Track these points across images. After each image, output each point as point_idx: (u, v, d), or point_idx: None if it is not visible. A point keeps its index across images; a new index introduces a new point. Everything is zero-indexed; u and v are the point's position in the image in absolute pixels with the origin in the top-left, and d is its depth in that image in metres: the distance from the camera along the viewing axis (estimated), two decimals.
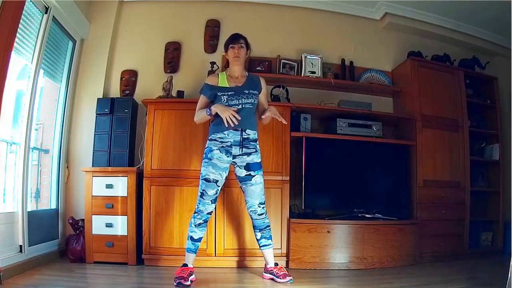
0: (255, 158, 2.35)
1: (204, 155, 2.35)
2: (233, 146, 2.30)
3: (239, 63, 2.39)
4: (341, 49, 3.62)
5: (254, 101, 2.35)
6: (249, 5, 3.55)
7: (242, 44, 2.39)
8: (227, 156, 2.31)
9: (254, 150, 2.35)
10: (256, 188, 2.34)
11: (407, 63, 3.48)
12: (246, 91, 2.34)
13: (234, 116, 2.21)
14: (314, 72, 3.33)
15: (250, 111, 2.34)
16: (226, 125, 2.23)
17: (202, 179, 2.30)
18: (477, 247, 3.42)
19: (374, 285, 2.32)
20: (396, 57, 3.69)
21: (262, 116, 2.37)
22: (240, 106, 2.30)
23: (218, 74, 2.47)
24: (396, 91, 3.57)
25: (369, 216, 2.98)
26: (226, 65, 2.61)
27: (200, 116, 2.37)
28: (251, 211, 2.37)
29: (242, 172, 2.34)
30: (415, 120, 3.28)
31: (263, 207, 2.37)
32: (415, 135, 3.26)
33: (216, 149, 2.30)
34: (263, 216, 2.38)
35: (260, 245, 2.41)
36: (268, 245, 2.40)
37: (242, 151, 2.30)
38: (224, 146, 2.30)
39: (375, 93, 3.56)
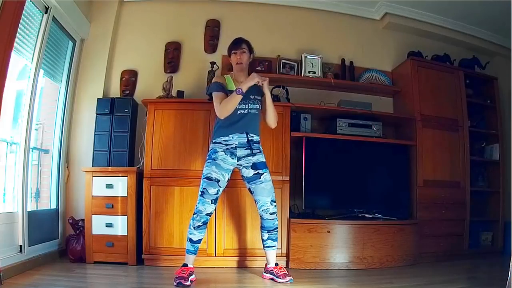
0: (261, 158, 2.37)
1: (207, 157, 2.35)
2: (237, 148, 2.32)
3: (241, 69, 2.42)
4: (341, 49, 3.62)
5: (259, 106, 2.40)
6: (249, 5, 3.55)
7: (245, 50, 2.40)
8: (232, 158, 2.31)
9: (258, 150, 2.38)
10: (266, 185, 2.33)
11: (407, 63, 3.48)
12: (252, 97, 2.37)
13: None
14: (314, 72, 3.33)
15: (255, 116, 2.38)
16: (260, 84, 2.30)
17: (203, 178, 2.30)
18: (477, 247, 3.42)
19: (374, 285, 2.31)
20: (396, 57, 3.69)
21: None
22: (246, 111, 2.34)
23: (224, 77, 2.47)
24: (396, 91, 3.57)
25: (369, 216, 2.97)
26: (229, 68, 2.60)
27: (230, 103, 2.25)
28: (262, 210, 2.35)
29: (250, 172, 2.34)
30: (415, 120, 3.28)
31: (275, 205, 2.36)
32: (415, 135, 3.26)
33: (221, 151, 2.31)
34: (274, 216, 2.35)
35: (265, 245, 2.41)
36: (273, 246, 2.40)
37: (251, 151, 2.32)
38: (229, 148, 2.32)
39: (375, 93, 3.57)
